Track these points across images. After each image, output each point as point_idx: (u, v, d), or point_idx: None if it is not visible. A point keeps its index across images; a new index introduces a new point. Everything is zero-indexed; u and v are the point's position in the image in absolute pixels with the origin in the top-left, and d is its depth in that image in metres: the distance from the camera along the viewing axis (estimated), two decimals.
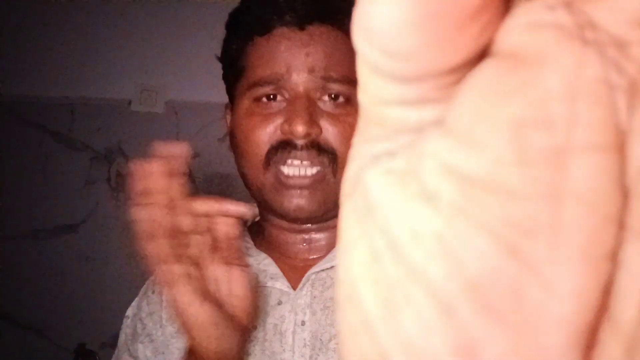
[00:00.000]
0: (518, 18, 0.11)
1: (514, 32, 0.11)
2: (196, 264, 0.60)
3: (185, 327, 0.59)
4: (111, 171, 1.69)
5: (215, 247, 0.61)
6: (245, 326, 0.62)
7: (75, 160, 1.68)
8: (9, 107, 1.68)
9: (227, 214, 0.61)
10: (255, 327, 0.67)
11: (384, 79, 0.12)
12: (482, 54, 0.12)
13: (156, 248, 0.56)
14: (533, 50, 0.11)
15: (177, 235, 0.58)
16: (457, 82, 0.12)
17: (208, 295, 0.59)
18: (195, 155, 1.68)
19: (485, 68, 0.11)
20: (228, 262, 0.61)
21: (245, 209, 0.61)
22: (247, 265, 0.63)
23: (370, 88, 0.12)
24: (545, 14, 0.11)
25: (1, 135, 1.68)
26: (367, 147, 0.13)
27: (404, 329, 0.11)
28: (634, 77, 0.10)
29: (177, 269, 0.57)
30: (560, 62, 0.11)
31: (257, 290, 0.64)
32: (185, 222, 0.59)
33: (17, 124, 1.68)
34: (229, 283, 0.61)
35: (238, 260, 0.62)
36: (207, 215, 0.61)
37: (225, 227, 0.61)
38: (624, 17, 0.10)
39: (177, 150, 0.58)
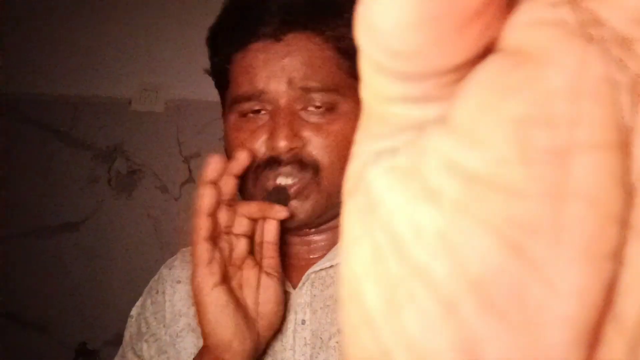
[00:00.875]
0: (521, 15, 0.11)
1: (518, 30, 0.11)
2: (232, 266, 0.63)
3: (203, 326, 0.61)
4: (112, 170, 1.69)
5: (254, 251, 0.64)
6: (264, 335, 0.64)
7: (77, 159, 1.68)
8: (11, 105, 1.68)
9: (268, 216, 0.64)
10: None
11: (386, 77, 0.12)
12: (486, 51, 0.12)
13: (197, 248, 0.60)
14: (536, 48, 0.11)
15: (218, 235, 0.62)
16: (461, 79, 0.12)
17: (234, 299, 0.61)
18: (196, 155, 1.69)
19: (489, 65, 0.11)
20: (263, 270, 0.64)
21: (286, 213, 0.64)
22: (280, 274, 0.64)
23: (373, 85, 0.12)
24: (549, 11, 0.11)
25: (3, 133, 1.68)
26: (370, 144, 0.13)
27: (407, 326, 0.11)
28: (638, 75, 0.10)
29: (209, 270, 0.60)
30: (563, 60, 0.11)
31: (283, 301, 0.66)
32: (228, 222, 0.63)
33: (19, 122, 1.68)
34: (259, 290, 0.63)
35: (273, 268, 0.64)
36: (250, 217, 0.64)
37: (267, 232, 0.64)
38: (627, 14, 0.10)
39: (240, 157, 0.64)
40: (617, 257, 0.11)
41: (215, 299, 0.60)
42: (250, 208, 0.64)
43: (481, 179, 0.11)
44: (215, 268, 0.60)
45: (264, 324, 0.63)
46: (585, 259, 0.11)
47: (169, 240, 1.62)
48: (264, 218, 0.65)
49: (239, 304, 0.61)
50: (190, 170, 1.69)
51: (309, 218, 0.68)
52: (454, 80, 0.12)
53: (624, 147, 0.11)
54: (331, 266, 0.69)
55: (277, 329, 0.66)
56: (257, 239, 0.65)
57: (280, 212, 0.64)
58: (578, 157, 0.10)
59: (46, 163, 1.68)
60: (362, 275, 0.12)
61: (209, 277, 0.60)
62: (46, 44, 1.68)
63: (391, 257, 0.12)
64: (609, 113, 0.10)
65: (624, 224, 0.11)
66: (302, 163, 0.67)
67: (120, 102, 1.69)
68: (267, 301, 0.63)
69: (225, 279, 0.61)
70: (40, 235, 1.66)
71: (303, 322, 0.68)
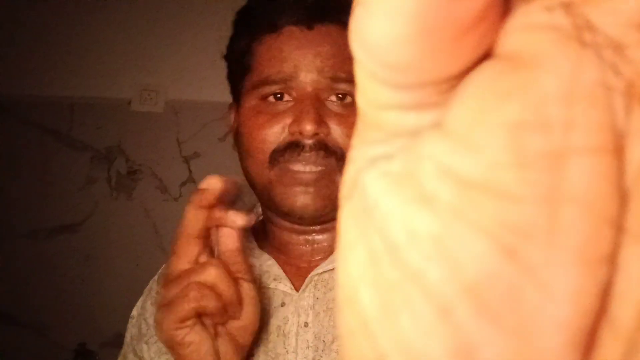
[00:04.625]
0: (516, 20, 0.11)
1: (512, 34, 0.11)
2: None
3: (176, 354, 0.56)
4: (111, 171, 1.69)
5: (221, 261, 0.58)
6: (249, 341, 0.61)
7: (75, 160, 1.68)
8: (8, 106, 1.68)
9: (225, 225, 0.58)
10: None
11: (381, 84, 0.12)
12: (484, 56, 0.12)
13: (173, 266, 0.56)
14: (531, 52, 0.11)
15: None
16: (458, 86, 0.12)
17: (211, 329, 0.57)
18: (195, 155, 1.69)
19: (483, 70, 0.11)
20: (234, 277, 0.58)
21: (244, 220, 0.58)
22: (253, 280, 0.60)
23: (368, 92, 0.12)
24: (543, 15, 0.11)
25: (1, 134, 1.68)
26: (365, 150, 0.13)
27: (402, 331, 0.11)
28: (631, 80, 0.10)
29: (181, 316, 0.55)
30: (558, 64, 0.11)
31: (259, 301, 0.61)
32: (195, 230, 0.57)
33: (17, 123, 1.68)
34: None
35: (241, 272, 0.59)
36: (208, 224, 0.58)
37: (227, 239, 0.58)
38: (621, 19, 0.10)
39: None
40: (611, 261, 0.11)
41: (191, 342, 0.55)
42: (200, 224, 0.57)
43: (476, 183, 0.11)
44: (189, 312, 0.55)
45: (246, 331, 0.59)
46: (580, 263, 0.11)
47: (169, 240, 1.62)
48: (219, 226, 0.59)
49: (216, 330, 0.58)
50: (190, 171, 1.69)
51: (324, 207, 0.67)
52: (452, 87, 0.12)
53: (618, 151, 0.11)
54: (334, 268, 0.69)
55: (259, 329, 0.63)
56: (219, 247, 0.59)
57: (237, 219, 0.57)
58: (573, 161, 0.10)
59: (44, 164, 1.68)
60: (358, 280, 0.12)
61: (181, 326, 0.54)
62: (44, 45, 1.68)
63: (386, 261, 0.12)
64: (604, 117, 0.10)
65: (618, 227, 0.11)
66: (328, 149, 0.66)
67: (120, 102, 1.69)
68: (247, 310, 0.59)
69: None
70: (38, 237, 1.66)
71: (306, 324, 0.68)
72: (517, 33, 0.11)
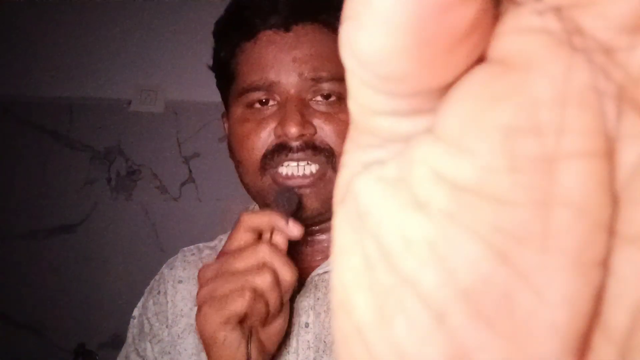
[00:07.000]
0: (507, 24, 0.11)
1: (503, 38, 0.11)
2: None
3: (211, 350, 0.58)
4: (111, 171, 1.69)
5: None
6: (273, 346, 0.62)
7: (74, 160, 1.68)
8: (7, 107, 1.68)
9: (280, 230, 0.60)
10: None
11: (375, 92, 0.12)
12: (477, 60, 0.12)
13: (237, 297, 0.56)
14: (522, 56, 0.11)
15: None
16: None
17: (246, 332, 0.58)
18: (195, 155, 1.69)
19: (475, 75, 0.11)
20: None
21: (300, 232, 0.60)
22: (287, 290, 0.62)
23: (361, 99, 0.12)
24: (534, 19, 0.11)
25: (0, 135, 1.68)
26: (358, 155, 0.13)
27: (397, 337, 0.11)
28: (622, 84, 0.10)
29: (229, 320, 0.56)
30: (549, 68, 0.11)
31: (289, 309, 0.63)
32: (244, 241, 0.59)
33: (16, 124, 1.68)
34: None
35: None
36: (257, 230, 0.60)
37: (278, 245, 0.60)
38: (611, 23, 0.10)
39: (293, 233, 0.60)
40: (604, 265, 0.11)
41: (231, 342, 0.57)
42: (259, 220, 0.60)
43: (469, 187, 0.11)
44: (236, 315, 0.56)
45: (274, 338, 0.62)
46: (574, 267, 0.11)
47: (168, 241, 1.62)
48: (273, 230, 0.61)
49: (250, 333, 0.59)
50: (190, 171, 1.69)
51: (320, 207, 0.67)
52: (445, 93, 0.12)
53: (609, 155, 0.11)
54: None
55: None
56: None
57: (294, 230, 0.60)
58: (565, 165, 0.10)
59: (43, 165, 1.67)
60: (353, 285, 0.12)
61: (227, 325, 0.56)
62: (43, 45, 1.67)
63: (381, 266, 0.12)
64: (595, 121, 0.10)
65: (610, 231, 0.11)
66: (315, 147, 0.66)
67: (119, 103, 1.69)
68: (279, 317, 0.61)
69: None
70: (38, 237, 1.66)
71: (306, 325, 0.68)
72: (508, 37, 0.11)
